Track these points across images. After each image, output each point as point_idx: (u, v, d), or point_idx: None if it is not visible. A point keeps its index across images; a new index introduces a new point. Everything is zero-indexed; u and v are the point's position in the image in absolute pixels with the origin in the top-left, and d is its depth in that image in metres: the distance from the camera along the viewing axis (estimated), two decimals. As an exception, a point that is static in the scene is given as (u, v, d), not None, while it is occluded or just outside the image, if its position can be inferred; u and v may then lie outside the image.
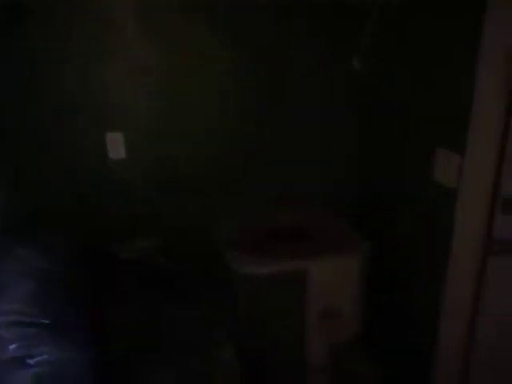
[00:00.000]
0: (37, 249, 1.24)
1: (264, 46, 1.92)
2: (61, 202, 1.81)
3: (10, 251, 1.22)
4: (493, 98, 1.33)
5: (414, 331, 1.81)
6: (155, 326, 1.33)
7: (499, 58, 1.28)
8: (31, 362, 0.98)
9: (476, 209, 1.45)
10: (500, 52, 1.28)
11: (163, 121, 1.92)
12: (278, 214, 2.03)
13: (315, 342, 1.76)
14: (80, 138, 1.84)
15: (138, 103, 1.89)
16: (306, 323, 1.72)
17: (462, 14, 1.39)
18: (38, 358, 0.98)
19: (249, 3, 1.82)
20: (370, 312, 1.91)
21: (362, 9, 1.78)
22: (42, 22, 1.69)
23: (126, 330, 1.30)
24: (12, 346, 0.98)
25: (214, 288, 1.52)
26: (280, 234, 1.92)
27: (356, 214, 2.13)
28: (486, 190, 1.42)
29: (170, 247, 1.85)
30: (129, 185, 1.91)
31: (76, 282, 1.24)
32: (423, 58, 1.62)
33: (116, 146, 1.88)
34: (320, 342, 1.77)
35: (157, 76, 1.86)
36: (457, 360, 1.62)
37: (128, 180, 1.91)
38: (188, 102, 1.92)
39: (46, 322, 1.06)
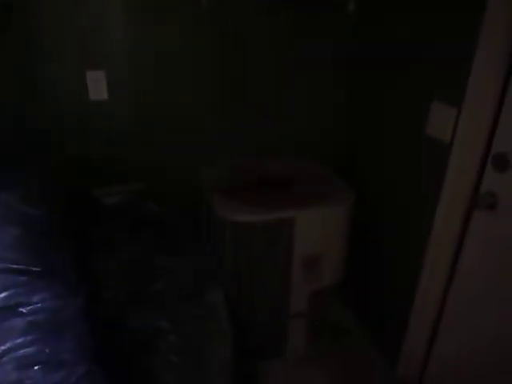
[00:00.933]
0: (21, 194, 1.18)
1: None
2: (41, 146, 1.72)
3: (-8, 196, 1.15)
4: (496, 51, 1.30)
5: (394, 279, 1.87)
6: (145, 272, 1.32)
7: (505, 10, 1.24)
8: (24, 310, 0.95)
9: (468, 164, 1.46)
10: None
11: (147, 58, 1.81)
12: (265, 162, 2.01)
13: (298, 289, 1.80)
14: (60, 77, 1.72)
15: (120, 37, 1.76)
16: (290, 271, 1.74)
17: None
18: (31, 307, 0.95)
19: None
20: (352, 260, 1.96)
21: None
22: None
23: (115, 276, 1.28)
24: (3, 295, 0.95)
25: (200, 234, 1.51)
26: (267, 181, 1.90)
27: (343, 163, 2.13)
28: (479, 145, 1.43)
29: (154, 192, 1.80)
30: (111, 127, 1.83)
31: (62, 227, 1.20)
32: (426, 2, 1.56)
33: (98, 85, 1.77)
34: (302, 289, 1.81)
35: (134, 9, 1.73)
36: (433, 309, 1.70)
37: (110, 122, 1.82)
38: (174, 36, 1.80)
39: (36, 269, 1.02)
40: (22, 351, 0.92)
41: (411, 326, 1.78)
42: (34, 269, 1.01)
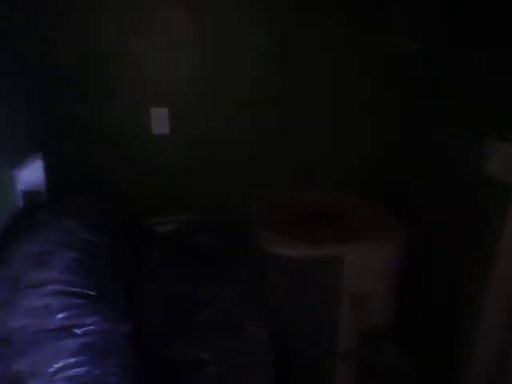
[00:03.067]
0: (81, 220, 1.27)
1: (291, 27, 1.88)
2: (102, 175, 1.85)
3: (56, 222, 1.25)
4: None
5: (445, 322, 1.78)
6: (189, 302, 1.35)
7: None
8: (78, 331, 1.01)
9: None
10: None
11: (205, 97, 1.92)
12: (314, 196, 2.01)
13: (345, 328, 1.76)
14: (125, 112, 1.86)
15: (182, 78, 1.88)
16: (336, 309, 1.71)
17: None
18: (85, 328, 1.02)
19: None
20: (403, 300, 1.89)
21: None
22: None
23: (160, 304, 1.33)
24: (60, 316, 1.02)
25: (246, 266, 1.53)
26: (315, 216, 1.90)
27: (394, 201, 2.08)
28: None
29: (204, 223, 1.86)
30: (169, 159, 1.93)
31: (117, 254, 1.27)
32: (484, 37, 1.53)
33: (160, 121, 1.89)
34: (349, 329, 1.76)
35: (199, 51, 1.85)
36: (493, 360, 1.59)
37: (169, 155, 1.93)
38: (227, 78, 1.91)
39: (91, 293, 1.09)
40: (73, 371, 0.97)
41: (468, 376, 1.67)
42: (90, 293, 1.08)
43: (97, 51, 1.76)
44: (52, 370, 0.97)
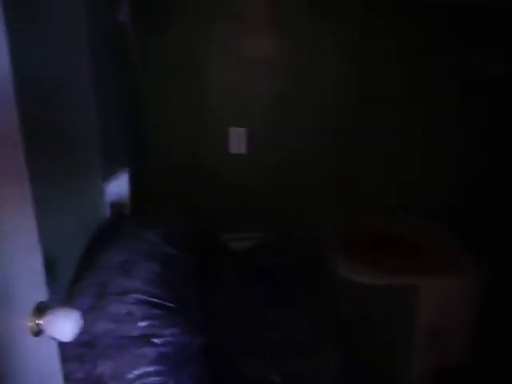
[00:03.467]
0: (162, 233, 1.33)
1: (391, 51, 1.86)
2: (181, 190, 1.93)
3: (140, 233, 1.32)
4: None
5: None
6: (260, 321, 1.36)
7: None
8: (157, 341, 1.05)
9: None
10: None
11: (283, 118, 1.95)
12: (389, 221, 1.96)
13: (417, 364, 1.67)
14: (205, 132, 1.94)
15: (260, 99, 1.93)
16: (409, 342, 1.64)
17: None
18: (163, 339, 1.06)
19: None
20: (481, 339, 1.77)
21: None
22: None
23: (231, 320, 1.35)
24: (141, 324, 1.07)
25: (319, 290, 1.52)
26: (390, 242, 1.84)
27: (476, 232, 1.97)
28: None
29: (278, 244, 1.87)
30: (245, 178, 1.97)
31: (194, 268, 1.31)
32: None
33: (238, 141, 1.95)
34: (423, 364, 1.68)
35: (280, 73, 1.89)
36: None
37: (245, 174, 1.97)
38: (306, 102, 1.93)
39: (171, 305, 1.13)
40: (150, 379, 1.01)
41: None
42: (169, 304, 1.13)
43: (182, 72, 1.86)
44: (131, 376, 1.01)
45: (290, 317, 1.32)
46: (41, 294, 0.88)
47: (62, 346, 0.92)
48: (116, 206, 1.67)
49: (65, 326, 0.85)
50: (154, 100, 1.90)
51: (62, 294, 1.15)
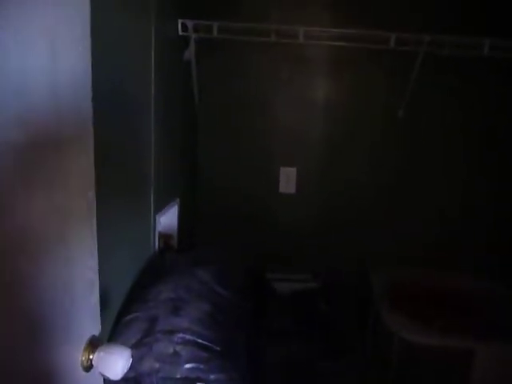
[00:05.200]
0: (213, 272, 1.31)
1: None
2: (230, 226, 1.93)
3: (191, 270, 1.31)
4: None
5: None
6: (307, 373, 1.30)
7: None
8: (201, 386, 1.01)
9: None
10: None
11: (333, 159, 1.93)
12: (441, 277, 1.87)
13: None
14: (256, 171, 1.95)
15: (311, 141, 1.93)
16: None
17: None
18: (208, 384, 1.02)
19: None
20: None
21: None
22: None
23: (277, 370, 1.30)
24: (187, 366, 1.03)
25: (368, 342, 1.44)
26: (443, 299, 1.75)
27: None
28: None
29: (323, 287, 1.82)
30: (294, 218, 1.95)
31: (243, 312, 1.28)
32: None
33: (288, 180, 1.94)
34: None
35: (334, 115, 1.89)
36: None
37: (294, 214, 1.95)
38: (356, 146, 1.91)
39: (217, 348, 1.09)
40: (191, 425, 0.97)
41: None
42: (216, 347, 1.09)
43: (237, 113, 1.90)
44: (172, 419, 0.98)
45: (340, 370, 1.25)
46: (95, 328, 0.87)
47: (108, 381, 0.90)
48: (164, 237, 1.68)
49: (116, 364, 0.83)
50: (209, 137, 1.94)
51: (109, 328, 1.14)
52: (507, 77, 1.77)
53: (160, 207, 1.60)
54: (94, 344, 0.84)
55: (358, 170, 1.93)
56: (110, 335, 1.12)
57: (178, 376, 1.02)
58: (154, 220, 1.54)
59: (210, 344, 1.09)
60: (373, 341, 1.55)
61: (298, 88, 1.89)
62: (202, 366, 1.04)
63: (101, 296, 0.92)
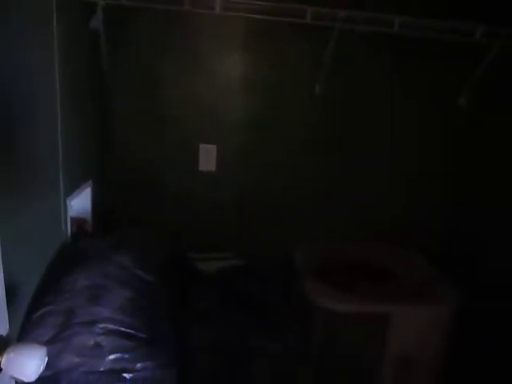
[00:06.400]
0: (132, 255, 1.24)
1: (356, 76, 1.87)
2: (147, 207, 1.84)
3: (107, 255, 1.22)
4: None
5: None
6: (236, 351, 1.29)
7: None
8: (127, 376, 0.96)
9: None
10: None
11: (254, 136, 1.92)
12: (360, 247, 1.96)
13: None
14: (174, 148, 1.87)
15: (231, 117, 1.89)
16: (380, 370, 1.62)
17: None
18: (135, 374, 0.96)
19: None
20: (453, 368, 1.78)
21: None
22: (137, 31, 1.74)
23: (209, 350, 1.27)
24: (111, 357, 0.97)
25: (294, 317, 1.47)
26: (361, 269, 1.84)
27: (447, 256, 1.99)
28: None
29: (248, 264, 1.82)
30: (215, 196, 1.92)
31: (168, 295, 1.23)
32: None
33: (208, 158, 1.89)
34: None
35: (252, 90, 1.86)
36: None
37: (215, 192, 1.91)
38: (278, 119, 1.91)
39: (143, 335, 1.04)
40: (120, 419, 0.92)
41: None
42: (141, 335, 1.03)
43: (151, 87, 1.80)
44: (98, 415, 0.92)
45: (269, 346, 1.26)
46: (2, 328, 0.78)
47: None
48: (77, 221, 1.56)
49: (28, 364, 0.75)
50: (122, 114, 1.82)
51: (18, 324, 1.03)
52: (420, 53, 1.84)
53: (71, 190, 1.47)
54: (1, 345, 0.75)
55: (280, 147, 1.93)
56: (20, 334, 1.02)
57: (102, 369, 0.96)
58: (65, 204, 1.42)
59: (134, 332, 1.03)
60: (298, 314, 1.59)
61: (216, 62, 1.82)
62: (127, 356, 0.99)
63: (7, 292, 0.82)
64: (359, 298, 1.57)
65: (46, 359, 0.77)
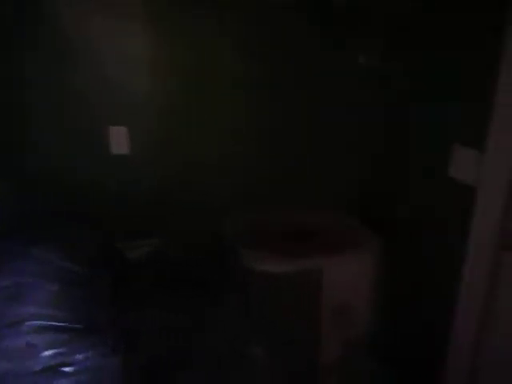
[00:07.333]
0: (54, 248, 1.16)
1: (274, 42, 1.88)
2: (62, 199, 1.72)
3: (26, 252, 1.13)
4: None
5: (426, 331, 1.81)
6: (178, 328, 1.27)
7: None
8: (68, 370, 0.90)
9: (493, 205, 1.46)
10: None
11: (170, 116, 1.86)
12: (291, 213, 2.00)
13: (328, 340, 1.74)
14: (83, 132, 1.75)
15: (141, 97, 1.82)
16: (319, 321, 1.70)
17: (484, 12, 1.41)
18: (76, 366, 0.91)
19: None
20: (384, 311, 1.91)
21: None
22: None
23: (149, 333, 1.23)
24: (46, 354, 0.90)
25: (236, 288, 1.48)
26: (293, 232, 1.88)
27: (370, 213, 2.11)
28: (503, 185, 1.44)
29: (177, 245, 1.78)
30: (131, 181, 1.84)
31: (99, 283, 1.17)
32: (442, 51, 1.63)
33: (120, 140, 1.80)
34: (332, 340, 1.75)
35: (164, 71, 1.80)
36: (467, 360, 1.63)
37: (130, 176, 1.83)
38: (196, 98, 1.87)
39: (78, 326, 0.98)
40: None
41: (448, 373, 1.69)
42: (76, 326, 0.97)
43: (59, 64, 1.66)
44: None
45: (215, 320, 1.25)
46: None
47: None
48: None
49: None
50: (23, 97, 1.66)
51: None
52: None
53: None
54: None
55: (191, 122, 1.89)
56: None
57: (38, 368, 0.89)
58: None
59: (68, 324, 0.97)
60: (236, 284, 1.60)
61: (121, 39, 1.71)
62: (63, 350, 0.93)
63: None
64: (292, 258, 1.62)
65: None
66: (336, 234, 1.89)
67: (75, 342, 0.95)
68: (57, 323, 0.96)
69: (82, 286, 1.08)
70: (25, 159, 1.69)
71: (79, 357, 0.93)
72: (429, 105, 1.71)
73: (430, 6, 1.66)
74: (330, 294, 1.66)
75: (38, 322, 0.94)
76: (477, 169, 1.48)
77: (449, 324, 1.63)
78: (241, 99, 1.90)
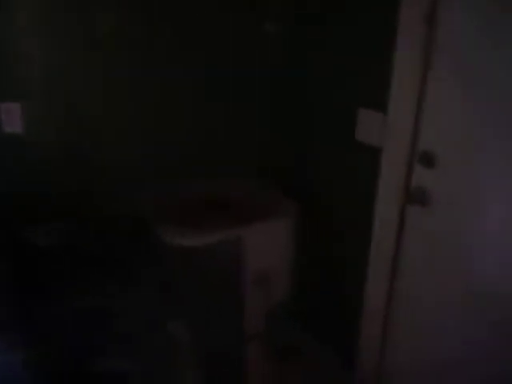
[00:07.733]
0: None
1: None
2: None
3: None
4: (412, 58, 1.41)
5: (341, 294, 1.89)
6: (100, 314, 1.20)
7: (418, 23, 1.37)
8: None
9: (397, 164, 1.54)
10: (417, 16, 1.36)
11: (63, 92, 1.71)
12: (204, 184, 1.97)
13: (251, 308, 1.77)
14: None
15: (34, 70, 1.66)
16: (242, 290, 1.71)
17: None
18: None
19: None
20: (304, 275, 1.97)
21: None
22: None
23: (67, 323, 1.15)
24: None
25: (152, 264, 1.43)
26: (208, 203, 1.86)
27: (283, 178, 2.13)
28: (406, 145, 1.52)
29: (89, 226, 1.68)
30: (26, 161, 1.68)
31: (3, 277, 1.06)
32: (342, 18, 1.66)
33: (11, 118, 1.63)
34: (255, 307, 1.78)
35: (50, 39, 1.64)
36: (379, 319, 1.73)
37: (25, 156, 1.67)
38: (87, 68, 1.73)
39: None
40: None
41: (362, 331, 1.79)
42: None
43: None
44: None
45: (129, 299, 1.20)
46: None
47: None
48: None
49: None
50: None
51: None
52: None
53: None
54: None
55: (87, 93, 1.75)
56: None
57: None
58: None
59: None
60: (154, 260, 1.56)
61: (10, 10, 1.54)
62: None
63: None
64: (210, 229, 1.60)
65: None
66: (251, 201, 1.91)
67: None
68: None
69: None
70: None
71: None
72: (333, 70, 1.75)
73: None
74: (251, 262, 1.68)
75: None
76: (381, 131, 1.55)
77: (362, 285, 1.73)
78: (138, 64, 1.80)
